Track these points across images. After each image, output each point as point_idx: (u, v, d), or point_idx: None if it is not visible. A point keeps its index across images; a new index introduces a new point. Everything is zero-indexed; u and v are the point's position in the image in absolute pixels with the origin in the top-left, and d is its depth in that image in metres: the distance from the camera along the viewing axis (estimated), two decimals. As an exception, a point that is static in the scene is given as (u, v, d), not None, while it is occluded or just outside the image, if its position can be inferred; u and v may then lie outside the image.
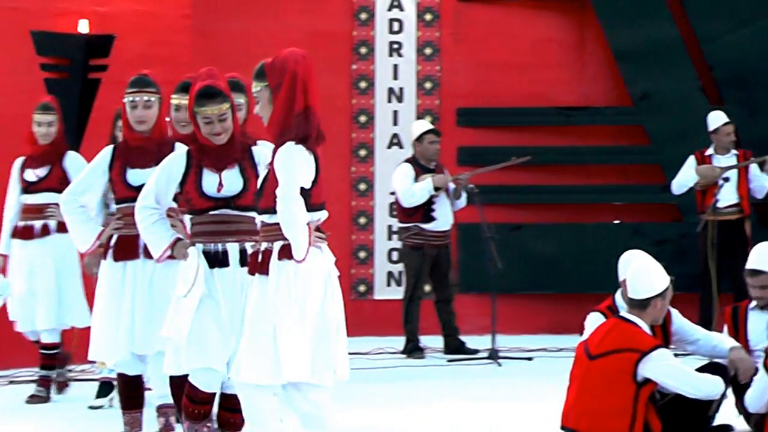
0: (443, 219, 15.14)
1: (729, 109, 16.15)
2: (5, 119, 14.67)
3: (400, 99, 17.36)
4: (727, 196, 15.21)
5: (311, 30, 17.27)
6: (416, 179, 15.14)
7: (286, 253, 7.28)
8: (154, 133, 9.66)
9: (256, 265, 7.56)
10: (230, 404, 9.01)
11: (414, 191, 14.98)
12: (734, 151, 15.62)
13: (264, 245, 7.44)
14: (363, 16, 17.58)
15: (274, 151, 7.45)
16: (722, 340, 9.44)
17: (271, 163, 7.53)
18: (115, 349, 9.53)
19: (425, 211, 15.02)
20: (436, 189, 15.04)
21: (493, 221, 15.57)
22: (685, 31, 17.40)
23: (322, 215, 7.64)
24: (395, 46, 17.46)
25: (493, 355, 14.72)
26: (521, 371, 14.37)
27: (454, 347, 15.43)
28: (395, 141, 17.33)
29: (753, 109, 16.79)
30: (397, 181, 15.38)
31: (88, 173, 9.83)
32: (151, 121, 9.69)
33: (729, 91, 17.11)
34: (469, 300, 15.93)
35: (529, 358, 14.94)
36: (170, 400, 9.60)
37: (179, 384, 9.13)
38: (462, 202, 15.45)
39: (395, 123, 17.34)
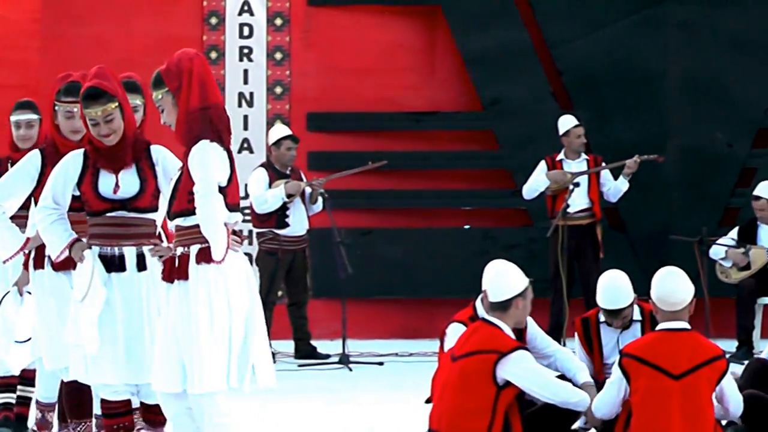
0: (298, 224, 15.13)
1: (579, 113, 16.28)
2: None
3: (250, 104, 17.37)
4: (578, 200, 15.36)
5: (162, 35, 17.13)
6: (270, 184, 15.16)
7: (204, 256, 7.06)
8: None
9: (173, 270, 7.31)
10: (152, 409, 8.81)
11: (266, 198, 15.01)
12: (585, 156, 15.80)
13: (180, 250, 7.19)
14: (213, 20, 17.55)
15: (186, 153, 7.25)
16: (577, 372, 9.26)
17: (184, 165, 7.37)
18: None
19: (279, 217, 15.04)
20: (290, 195, 15.02)
21: (343, 226, 15.63)
22: (536, 36, 17.58)
23: (238, 217, 7.61)
24: (245, 50, 17.39)
25: (344, 359, 14.85)
26: (372, 375, 14.52)
27: (306, 352, 15.48)
28: (246, 145, 17.26)
29: (603, 113, 17.05)
30: (251, 187, 15.33)
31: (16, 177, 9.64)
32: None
33: (579, 95, 17.26)
34: (320, 305, 15.89)
35: (380, 363, 14.93)
36: (53, 399, 9.65)
37: (69, 386, 9.10)
38: (318, 206, 15.40)
39: (245, 128, 17.27)
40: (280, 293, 15.99)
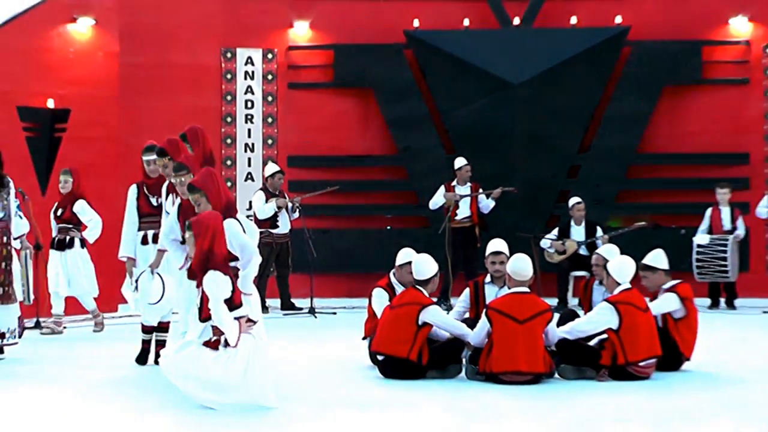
0: (284, 226, 17.92)
1: (464, 155, 18.67)
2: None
3: (252, 150, 20.26)
4: (463, 211, 18.15)
5: (196, 106, 19.45)
6: (266, 201, 17.78)
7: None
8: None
9: None
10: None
11: (265, 209, 17.66)
12: (469, 183, 18.41)
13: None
14: (228, 97, 20.19)
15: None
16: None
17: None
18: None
19: (272, 222, 17.77)
20: (279, 208, 17.73)
21: (311, 227, 18.07)
22: (431, 106, 20.22)
23: (245, 311, 9.25)
24: (249, 116, 20.23)
25: (311, 311, 17.40)
26: (329, 321, 17.10)
27: (287, 306, 18.06)
28: (249, 177, 20.21)
29: (474, 158, 18.70)
30: (254, 203, 18.01)
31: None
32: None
33: (458, 145, 19.69)
34: (297, 277, 18.14)
35: (334, 313, 17.61)
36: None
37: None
38: (296, 215, 18.03)
39: (249, 165, 20.30)
40: (272, 269, 18.24)
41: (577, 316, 11.73)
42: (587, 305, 12.15)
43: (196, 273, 9.23)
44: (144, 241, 12.30)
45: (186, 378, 9.14)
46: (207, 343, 9.14)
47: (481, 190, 18.50)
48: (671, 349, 11.19)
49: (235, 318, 9.06)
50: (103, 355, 13.00)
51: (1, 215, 12.77)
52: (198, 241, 9.20)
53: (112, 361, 12.49)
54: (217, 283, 9.03)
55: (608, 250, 11.92)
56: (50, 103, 17.87)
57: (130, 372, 11.59)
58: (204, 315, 9.23)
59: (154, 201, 12.22)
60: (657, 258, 11.73)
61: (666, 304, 11.36)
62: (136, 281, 12.06)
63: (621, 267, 11.21)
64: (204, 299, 9.21)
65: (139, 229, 12.43)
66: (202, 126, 16.24)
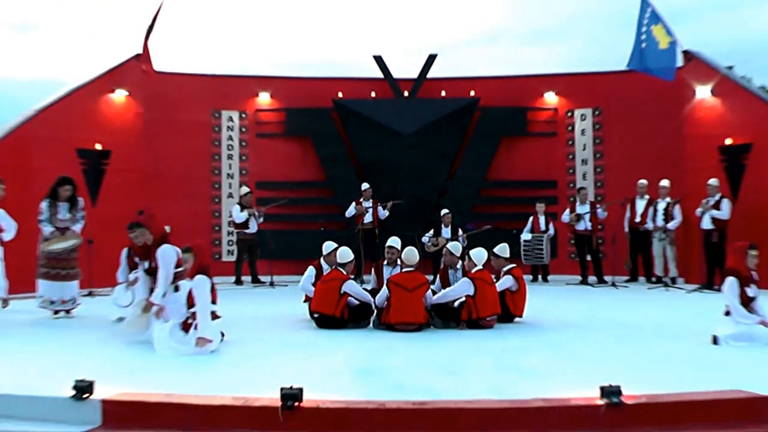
0: (253, 227, 19.51)
1: (369, 181, 20.23)
2: None
3: (232, 177, 22.08)
4: (368, 218, 19.69)
5: (193, 148, 21.73)
6: (241, 211, 19.41)
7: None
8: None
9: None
10: None
11: (240, 217, 19.38)
12: (371, 199, 19.83)
13: None
14: (216, 143, 21.98)
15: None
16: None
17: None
18: None
19: (245, 224, 19.53)
20: (249, 216, 19.42)
21: (270, 228, 19.85)
22: (349, 147, 21.86)
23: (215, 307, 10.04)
24: (230, 155, 22.15)
25: (271, 284, 19.01)
26: (283, 291, 17.98)
27: (255, 280, 19.53)
28: (230, 195, 21.84)
29: (377, 182, 20.57)
30: (233, 212, 19.65)
31: None
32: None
33: (366, 174, 21.31)
34: (262, 262, 19.69)
35: (286, 285, 18.61)
36: None
37: None
38: (261, 220, 19.58)
39: (230, 188, 22.02)
40: (245, 256, 19.73)
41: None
42: (444, 281, 13.17)
43: (191, 277, 10.02)
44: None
45: (159, 339, 9.86)
46: (184, 324, 9.87)
47: (379, 204, 19.76)
48: (506, 310, 12.29)
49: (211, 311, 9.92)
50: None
51: (80, 226, 13.90)
52: (198, 258, 10.27)
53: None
54: (204, 283, 9.92)
55: (454, 246, 13.33)
56: (98, 146, 19.35)
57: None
58: (189, 305, 9.95)
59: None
60: (502, 249, 12.87)
61: (506, 283, 12.48)
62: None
63: (477, 255, 12.26)
64: (190, 296, 9.93)
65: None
66: (196, 164, 19.29)
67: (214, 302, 9.94)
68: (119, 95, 19.96)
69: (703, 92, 18.95)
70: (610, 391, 6.77)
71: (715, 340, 10.10)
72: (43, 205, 13.35)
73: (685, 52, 18.58)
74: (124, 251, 12.48)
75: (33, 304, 13.34)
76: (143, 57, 19.51)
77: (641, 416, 6.73)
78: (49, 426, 6.93)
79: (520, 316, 12.55)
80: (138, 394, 7.18)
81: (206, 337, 9.58)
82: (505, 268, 12.67)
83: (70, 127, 18.64)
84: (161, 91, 20.66)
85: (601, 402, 6.76)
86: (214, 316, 9.95)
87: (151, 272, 11.19)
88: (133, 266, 12.21)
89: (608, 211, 19.34)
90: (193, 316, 9.68)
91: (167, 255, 10.56)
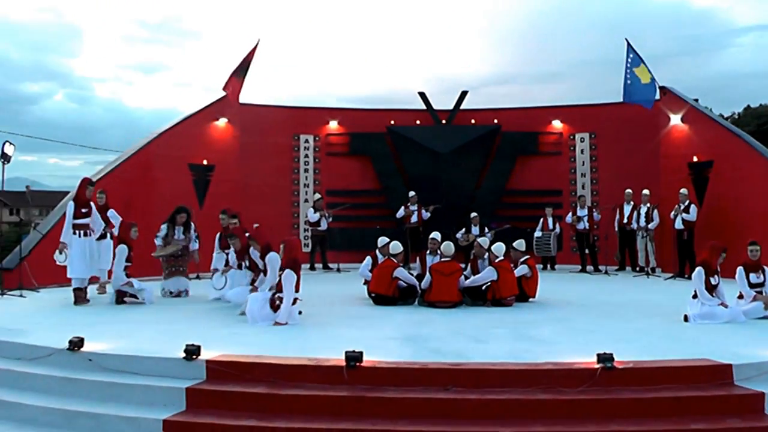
0: (323, 225, 19.01)
1: (414, 190, 20.05)
2: (177, 194, 17.65)
3: (308, 187, 21.71)
4: (413, 219, 19.33)
5: (279, 166, 21.32)
6: (314, 213, 19.07)
7: None
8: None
9: None
10: None
11: (314, 217, 19.04)
12: (416, 204, 19.53)
13: None
14: (295, 160, 21.72)
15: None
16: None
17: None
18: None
19: (317, 223, 19.08)
20: (321, 216, 19.08)
21: (337, 226, 19.59)
22: (399, 164, 21.49)
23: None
24: (306, 169, 21.70)
25: (338, 269, 18.64)
26: (347, 275, 17.47)
27: (326, 267, 19.07)
28: (306, 201, 21.42)
29: (420, 190, 20.13)
30: (309, 214, 19.29)
31: None
32: None
33: (412, 184, 20.68)
34: (331, 252, 19.32)
35: (349, 271, 17.92)
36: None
37: None
38: (330, 220, 19.13)
39: (306, 194, 21.57)
40: (317, 248, 19.49)
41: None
42: (474, 269, 12.79)
43: (283, 269, 9.87)
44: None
45: (251, 313, 9.85)
46: (272, 303, 9.85)
47: (422, 207, 19.45)
48: (522, 292, 12.24)
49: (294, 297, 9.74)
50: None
51: (196, 245, 13.96)
52: (286, 253, 10.09)
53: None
54: (291, 278, 9.82)
55: (483, 241, 13.01)
56: (204, 162, 19.44)
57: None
58: (278, 290, 9.84)
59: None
60: (519, 244, 12.86)
61: (522, 270, 12.39)
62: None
63: (498, 248, 12.17)
64: (280, 283, 9.86)
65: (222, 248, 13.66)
66: (279, 176, 19.48)
67: (297, 290, 9.86)
68: (221, 122, 20.02)
69: (675, 119, 19.09)
70: (604, 357, 6.83)
71: (686, 318, 10.11)
72: (163, 226, 13.49)
73: (662, 87, 18.30)
74: (216, 241, 13.60)
75: (153, 285, 13.22)
76: (228, 85, 19.07)
77: (629, 378, 6.79)
78: (166, 381, 7.08)
79: (534, 297, 12.48)
80: (234, 355, 7.33)
81: (281, 321, 9.60)
82: (521, 259, 12.54)
83: (184, 147, 18.75)
84: (253, 119, 20.58)
85: (597, 366, 6.81)
86: (296, 300, 9.87)
87: (251, 268, 11.69)
88: (225, 246, 12.94)
89: (602, 214, 19.12)
90: (280, 299, 9.70)
91: (274, 261, 10.60)
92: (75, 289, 12.15)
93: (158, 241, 13.28)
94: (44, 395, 7.21)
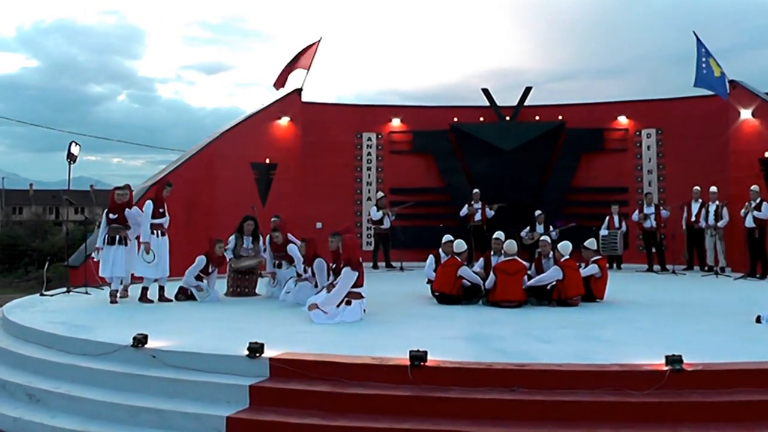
0: (386, 224, 19.17)
1: (479, 189, 19.83)
2: (239, 192, 18.25)
3: (370, 185, 21.81)
4: (477, 217, 19.33)
5: (343, 162, 21.50)
6: (377, 211, 19.22)
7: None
8: None
9: None
10: None
11: (377, 215, 19.21)
12: (480, 201, 19.49)
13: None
14: (358, 158, 21.85)
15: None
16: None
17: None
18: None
19: (380, 221, 19.23)
20: (383, 215, 19.18)
21: (401, 224, 19.51)
22: (462, 162, 21.43)
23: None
24: (368, 167, 21.90)
25: (401, 268, 18.66)
26: (411, 274, 17.64)
27: (389, 265, 19.30)
28: (369, 199, 21.57)
29: (484, 188, 20.11)
30: (371, 212, 19.45)
31: None
32: None
33: (475, 181, 20.63)
34: (394, 251, 19.46)
35: (412, 269, 18.14)
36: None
37: None
38: (393, 218, 19.28)
39: (368, 192, 21.71)
40: (380, 247, 19.64)
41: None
42: (539, 268, 12.63)
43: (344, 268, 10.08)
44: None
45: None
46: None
47: (486, 206, 19.46)
48: (589, 292, 12.15)
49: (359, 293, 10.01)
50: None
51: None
52: (346, 251, 10.30)
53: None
54: (350, 276, 10.04)
55: (545, 239, 12.84)
56: (267, 160, 19.57)
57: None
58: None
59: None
60: (590, 243, 12.74)
61: (591, 270, 12.28)
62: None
63: (563, 247, 12.11)
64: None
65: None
66: (342, 174, 19.48)
67: (361, 285, 10.05)
68: (284, 120, 20.16)
69: (745, 114, 18.67)
70: (673, 359, 6.70)
71: (758, 319, 9.84)
72: (231, 238, 13.44)
73: (731, 81, 18.07)
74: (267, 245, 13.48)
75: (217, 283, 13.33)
76: (279, 79, 19.73)
77: (698, 380, 6.67)
78: (229, 378, 7.18)
79: (602, 298, 12.34)
80: (297, 353, 7.38)
81: (323, 308, 9.85)
82: (592, 258, 12.45)
83: (246, 146, 18.88)
84: (316, 117, 20.71)
85: (665, 368, 6.68)
86: (359, 296, 10.03)
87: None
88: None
89: (669, 212, 18.95)
90: (348, 302, 9.92)
91: (321, 266, 11.36)
92: (144, 288, 12.48)
93: (228, 254, 13.28)
94: (109, 390, 7.42)
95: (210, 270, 12.70)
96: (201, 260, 12.60)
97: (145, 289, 12.27)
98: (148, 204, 12.32)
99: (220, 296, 12.88)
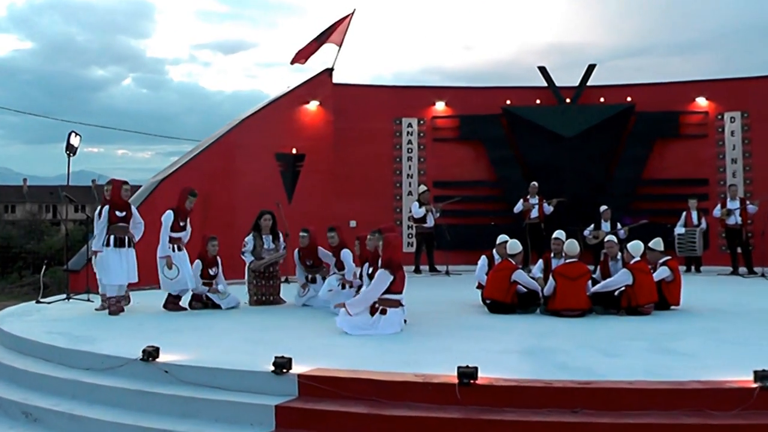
0: (430, 222, 19.15)
1: (536, 182, 19.80)
2: (262, 187, 18.36)
3: (411, 177, 21.97)
4: (534, 213, 19.35)
5: (379, 152, 21.77)
6: (419, 207, 19.16)
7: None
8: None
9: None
10: None
11: (419, 212, 19.12)
12: (537, 196, 19.51)
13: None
14: (397, 147, 21.90)
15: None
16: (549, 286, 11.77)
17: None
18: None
19: (423, 219, 19.22)
20: (427, 211, 19.10)
21: (446, 222, 19.44)
22: (516, 151, 21.53)
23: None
24: (409, 157, 22.03)
25: (447, 272, 18.79)
26: (458, 279, 17.90)
27: (432, 269, 19.35)
28: (410, 194, 21.68)
29: (541, 181, 20.11)
30: (413, 209, 19.37)
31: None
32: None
33: (532, 174, 20.86)
34: (438, 252, 19.42)
35: (460, 274, 18.30)
36: None
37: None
38: (437, 215, 19.23)
39: (409, 186, 21.90)
40: (423, 248, 19.70)
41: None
42: (605, 271, 12.90)
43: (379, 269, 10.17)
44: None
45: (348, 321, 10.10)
46: (371, 308, 10.07)
47: (544, 201, 19.49)
48: (662, 298, 12.11)
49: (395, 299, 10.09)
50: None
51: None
52: (387, 251, 10.30)
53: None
54: (385, 278, 10.07)
55: (611, 239, 13.17)
56: (294, 151, 19.69)
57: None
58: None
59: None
60: (656, 243, 12.72)
61: (662, 273, 12.26)
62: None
63: (634, 247, 12.17)
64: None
65: None
66: (379, 166, 19.83)
67: (400, 291, 10.07)
68: (312, 105, 20.26)
69: None
70: (762, 375, 6.57)
71: None
72: (248, 239, 13.43)
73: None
74: (295, 252, 13.65)
75: (236, 289, 13.61)
76: (300, 54, 19.97)
77: (792, 399, 6.23)
78: (252, 397, 7.16)
79: (677, 305, 12.27)
80: (329, 369, 7.35)
81: (350, 310, 10.00)
82: (660, 260, 12.39)
83: (270, 134, 19.07)
84: (349, 101, 20.77)
85: (755, 385, 6.56)
86: (399, 304, 10.07)
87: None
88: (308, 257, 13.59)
89: (758, 206, 18.66)
90: (379, 301, 9.89)
91: (347, 256, 11.78)
92: (170, 296, 12.81)
93: (247, 257, 13.32)
94: (116, 409, 7.45)
95: (211, 273, 12.80)
96: (197, 265, 12.78)
97: (170, 296, 12.59)
98: (169, 214, 12.46)
99: (240, 302, 13.02)
